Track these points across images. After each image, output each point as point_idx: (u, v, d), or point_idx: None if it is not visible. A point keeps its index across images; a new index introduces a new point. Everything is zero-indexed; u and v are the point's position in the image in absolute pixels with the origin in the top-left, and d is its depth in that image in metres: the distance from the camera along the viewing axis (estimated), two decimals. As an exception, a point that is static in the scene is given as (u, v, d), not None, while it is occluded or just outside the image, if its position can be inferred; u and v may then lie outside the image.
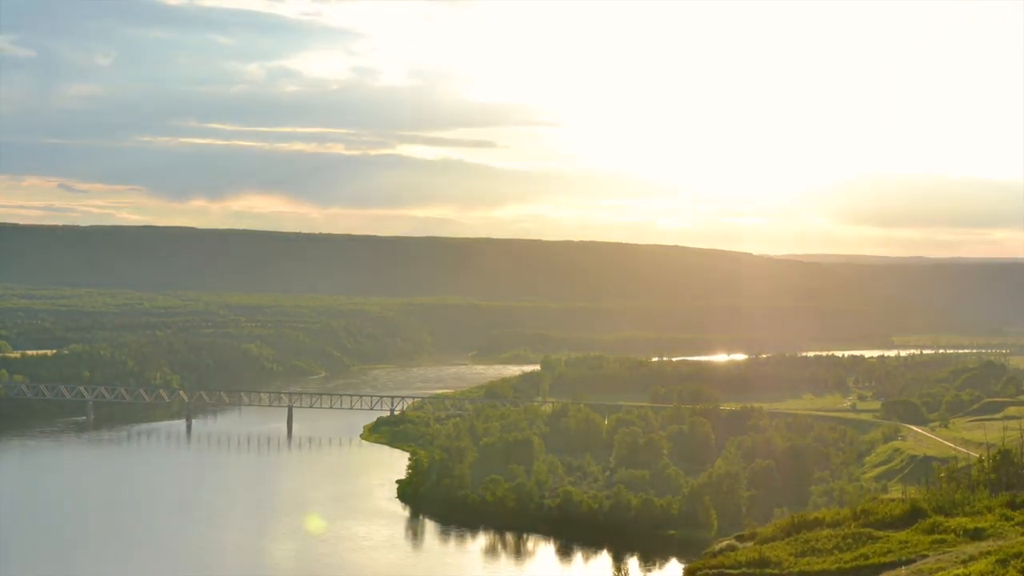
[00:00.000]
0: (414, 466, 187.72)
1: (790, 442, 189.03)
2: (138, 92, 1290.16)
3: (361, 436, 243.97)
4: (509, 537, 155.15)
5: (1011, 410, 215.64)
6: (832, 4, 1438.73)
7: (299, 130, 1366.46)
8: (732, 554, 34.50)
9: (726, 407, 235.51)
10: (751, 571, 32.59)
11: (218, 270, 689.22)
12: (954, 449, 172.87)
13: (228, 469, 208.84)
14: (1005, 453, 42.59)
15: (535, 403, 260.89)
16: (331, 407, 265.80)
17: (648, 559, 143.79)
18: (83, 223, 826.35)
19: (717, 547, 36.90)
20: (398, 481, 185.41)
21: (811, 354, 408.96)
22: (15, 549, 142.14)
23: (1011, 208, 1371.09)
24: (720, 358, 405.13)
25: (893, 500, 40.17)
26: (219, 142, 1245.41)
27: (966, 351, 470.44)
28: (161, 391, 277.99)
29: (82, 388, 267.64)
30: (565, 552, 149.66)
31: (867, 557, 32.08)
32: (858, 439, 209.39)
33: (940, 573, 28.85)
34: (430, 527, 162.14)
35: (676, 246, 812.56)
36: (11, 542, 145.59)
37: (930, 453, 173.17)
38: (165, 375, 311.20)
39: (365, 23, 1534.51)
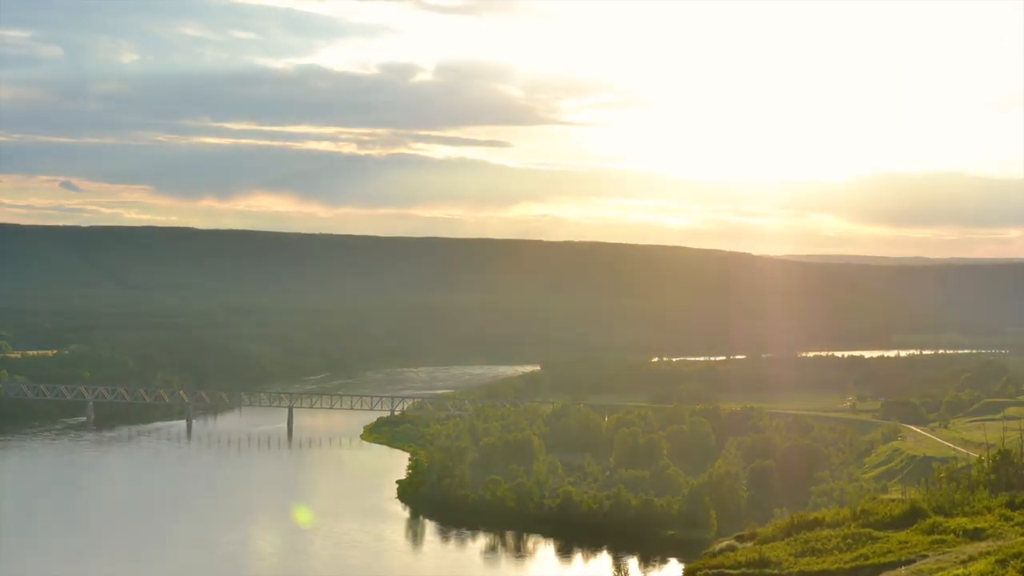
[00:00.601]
0: (414, 466, 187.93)
1: (790, 442, 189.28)
2: (161, 90, 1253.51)
3: (361, 436, 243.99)
4: (509, 537, 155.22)
5: (1011, 410, 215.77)
6: (842, 1, 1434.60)
7: (314, 130, 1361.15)
8: (732, 554, 34.54)
9: (726, 407, 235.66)
10: (751, 571, 32.63)
11: (219, 270, 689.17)
12: (954, 449, 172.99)
13: (228, 469, 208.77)
14: (1005, 453, 42.57)
15: (535, 403, 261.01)
16: (331, 407, 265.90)
17: (648, 559, 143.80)
18: (88, 223, 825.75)
19: (717, 547, 36.94)
20: (398, 481, 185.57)
21: (811, 354, 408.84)
22: (15, 549, 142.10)
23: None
24: (720, 358, 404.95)
25: (893, 500, 40.17)
26: (229, 141, 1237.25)
27: (966, 351, 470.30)
28: (161, 391, 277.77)
29: (82, 388, 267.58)
30: (565, 552, 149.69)
31: (867, 557, 32.12)
32: (858, 439, 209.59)
33: (940, 573, 28.89)
34: (430, 527, 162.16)
35: (680, 247, 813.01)
36: (11, 542, 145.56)
37: (930, 453, 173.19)
38: (165, 375, 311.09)
39: (397, 19, 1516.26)
